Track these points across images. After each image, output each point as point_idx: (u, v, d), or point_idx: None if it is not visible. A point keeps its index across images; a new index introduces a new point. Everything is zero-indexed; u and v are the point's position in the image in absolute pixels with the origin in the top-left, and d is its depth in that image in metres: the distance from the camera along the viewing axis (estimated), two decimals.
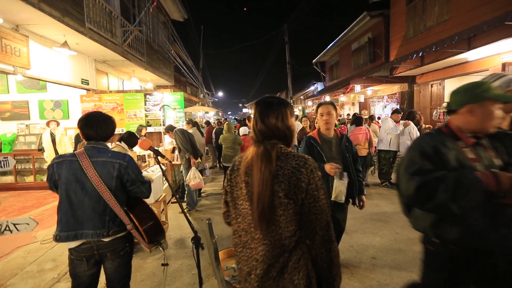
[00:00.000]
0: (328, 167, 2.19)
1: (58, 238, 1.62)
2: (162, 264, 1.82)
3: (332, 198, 2.20)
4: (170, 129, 4.80)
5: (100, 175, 1.60)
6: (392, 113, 5.72)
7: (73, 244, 1.64)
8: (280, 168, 1.06)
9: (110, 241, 1.67)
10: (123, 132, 3.41)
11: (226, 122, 6.22)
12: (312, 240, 1.07)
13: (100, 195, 1.60)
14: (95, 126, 1.71)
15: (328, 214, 1.08)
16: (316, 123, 3.17)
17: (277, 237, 1.06)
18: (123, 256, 1.74)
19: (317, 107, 2.47)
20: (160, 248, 1.77)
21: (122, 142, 3.21)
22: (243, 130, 6.28)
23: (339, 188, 2.18)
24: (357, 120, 5.75)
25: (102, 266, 1.76)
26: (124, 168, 1.67)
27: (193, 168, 4.47)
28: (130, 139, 3.24)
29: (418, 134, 5.33)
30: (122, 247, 1.72)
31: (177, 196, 5.04)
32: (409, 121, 5.46)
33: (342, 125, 8.25)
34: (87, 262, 1.67)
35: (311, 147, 2.35)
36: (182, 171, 4.85)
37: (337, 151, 2.37)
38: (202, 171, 5.41)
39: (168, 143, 6.48)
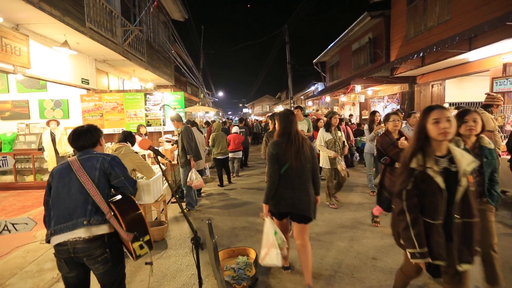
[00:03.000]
0: None
1: (53, 233, 1.64)
2: (146, 263, 1.77)
3: None
4: (177, 119, 4.70)
5: (84, 167, 1.73)
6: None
7: (54, 241, 1.64)
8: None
9: (86, 244, 1.62)
10: (121, 132, 3.58)
11: (215, 122, 7.37)
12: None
13: (82, 185, 1.69)
14: (82, 138, 1.87)
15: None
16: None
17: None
18: (103, 262, 1.68)
19: None
20: (144, 246, 1.67)
21: (127, 142, 3.43)
22: (235, 129, 7.39)
23: None
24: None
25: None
26: (108, 162, 1.80)
27: (193, 169, 4.52)
28: (130, 138, 3.48)
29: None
30: (99, 253, 1.66)
31: (177, 196, 5.04)
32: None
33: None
34: (67, 264, 1.68)
35: None
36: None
37: None
38: (202, 172, 5.41)
39: (164, 137, 6.41)
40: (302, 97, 23.12)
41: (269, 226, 2.38)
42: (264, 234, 2.40)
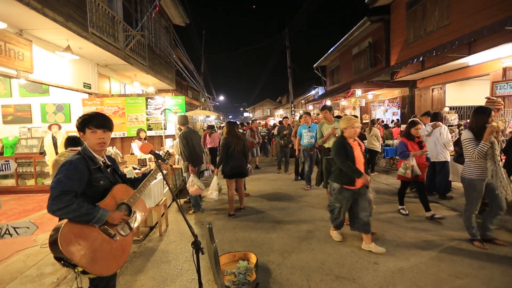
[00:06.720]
0: None
1: None
2: None
3: None
4: (179, 122, 4.73)
5: None
6: (421, 115, 5.52)
7: None
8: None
9: None
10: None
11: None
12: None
13: None
14: None
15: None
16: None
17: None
18: None
19: None
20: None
21: (77, 146, 3.13)
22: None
23: None
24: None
25: None
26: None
27: (192, 175, 4.47)
28: (75, 142, 3.21)
29: (449, 135, 4.81)
30: None
31: (177, 201, 5.03)
32: (439, 122, 4.89)
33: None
34: None
35: None
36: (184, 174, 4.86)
37: None
38: (202, 173, 5.36)
39: (169, 146, 6.48)
40: (302, 101, 23.18)
41: (216, 180, 4.56)
42: (212, 183, 4.58)
